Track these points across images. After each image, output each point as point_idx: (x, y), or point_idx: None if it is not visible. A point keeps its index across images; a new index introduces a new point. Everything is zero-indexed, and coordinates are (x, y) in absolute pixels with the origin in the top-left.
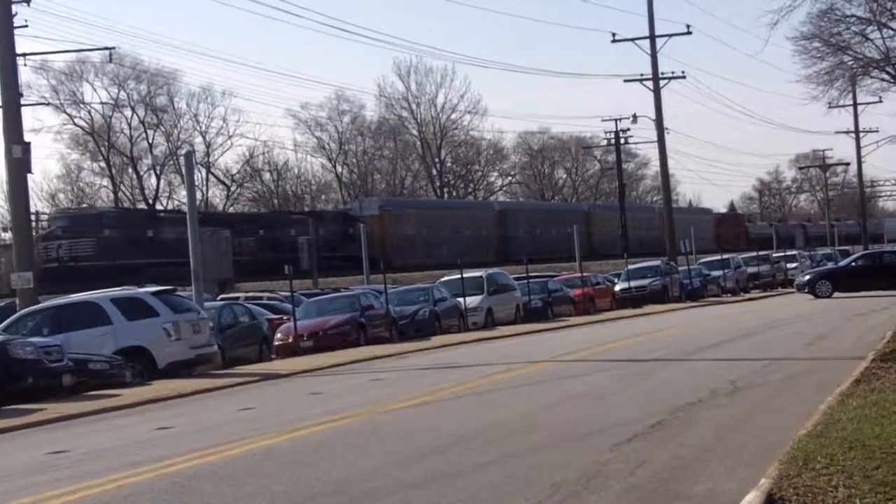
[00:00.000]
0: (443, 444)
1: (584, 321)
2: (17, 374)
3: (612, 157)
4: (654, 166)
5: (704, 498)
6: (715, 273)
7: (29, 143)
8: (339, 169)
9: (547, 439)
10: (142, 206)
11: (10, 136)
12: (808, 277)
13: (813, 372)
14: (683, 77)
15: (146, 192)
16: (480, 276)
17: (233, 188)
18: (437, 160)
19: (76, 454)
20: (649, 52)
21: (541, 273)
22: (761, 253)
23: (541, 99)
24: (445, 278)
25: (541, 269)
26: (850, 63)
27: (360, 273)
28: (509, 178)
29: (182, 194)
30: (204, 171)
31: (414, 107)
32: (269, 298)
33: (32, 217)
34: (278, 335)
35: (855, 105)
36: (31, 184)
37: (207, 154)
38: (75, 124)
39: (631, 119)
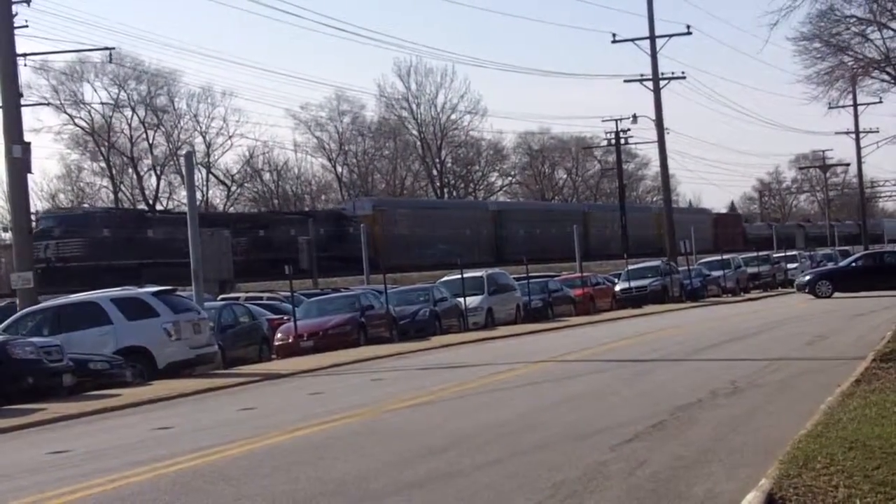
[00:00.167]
0: (443, 443)
1: (585, 321)
2: (18, 373)
3: (612, 158)
4: (655, 167)
5: (705, 498)
6: (715, 273)
7: (29, 143)
8: (339, 169)
9: (547, 439)
10: (142, 206)
11: (10, 136)
12: (808, 278)
13: (813, 372)
14: (683, 77)
15: (146, 192)
16: (481, 276)
17: (233, 188)
18: (437, 160)
19: (77, 454)
20: (649, 52)
21: (541, 273)
22: (761, 253)
23: (541, 99)
24: (446, 278)
25: (540, 269)
26: (850, 63)
27: (353, 273)
28: (509, 178)
29: (182, 194)
30: (204, 172)
31: (414, 107)
32: (269, 298)
33: (33, 217)
34: (278, 335)
35: (855, 105)
36: (31, 184)
37: (207, 154)
38: (75, 124)
39: (631, 119)
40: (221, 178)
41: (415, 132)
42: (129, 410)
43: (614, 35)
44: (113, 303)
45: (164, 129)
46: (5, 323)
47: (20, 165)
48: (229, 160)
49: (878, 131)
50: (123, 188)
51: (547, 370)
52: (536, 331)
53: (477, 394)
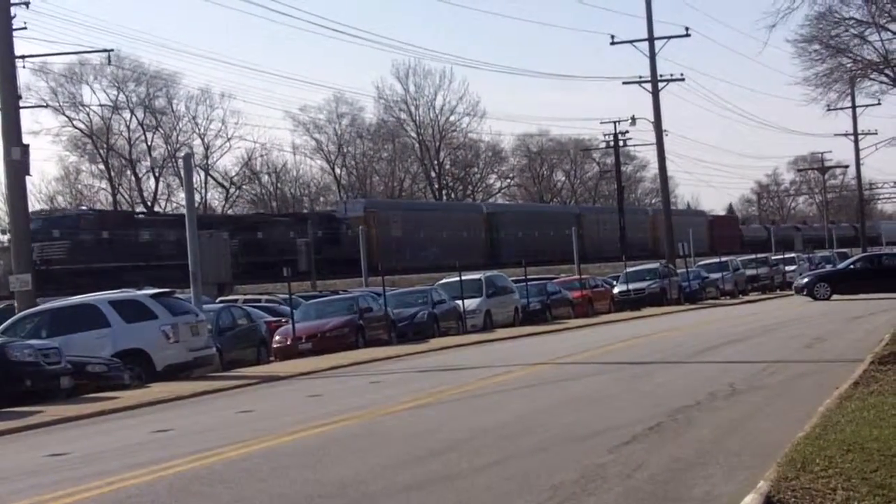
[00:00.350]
0: (442, 446)
1: (583, 324)
2: (16, 376)
3: (610, 160)
4: (653, 168)
5: (703, 500)
6: (713, 276)
7: (28, 146)
8: (337, 171)
9: (546, 441)
10: (140, 208)
11: (8, 138)
12: (806, 280)
13: (811, 374)
14: (682, 79)
15: (145, 194)
16: (479, 279)
17: (231, 191)
18: (435, 162)
19: (75, 457)
20: (648, 54)
21: (539, 276)
22: (760, 255)
23: (539, 101)
24: (444, 280)
25: (538, 271)
26: (848, 65)
27: (344, 275)
28: (508, 180)
29: (181, 197)
30: (203, 174)
31: (412, 109)
32: (268, 301)
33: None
34: (277, 337)
35: (854, 107)
36: (29, 186)
37: (206, 156)
38: (74, 126)
39: (629, 121)
40: (220, 180)
41: (413, 134)
42: (127, 413)
43: (613, 37)
44: (111, 305)
45: (162, 131)
46: (3, 325)
47: (19, 167)
48: (228, 162)
49: (876, 133)
50: (122, 190)
51: (545, 373)
52: (535, 333)
53: (475, 396)
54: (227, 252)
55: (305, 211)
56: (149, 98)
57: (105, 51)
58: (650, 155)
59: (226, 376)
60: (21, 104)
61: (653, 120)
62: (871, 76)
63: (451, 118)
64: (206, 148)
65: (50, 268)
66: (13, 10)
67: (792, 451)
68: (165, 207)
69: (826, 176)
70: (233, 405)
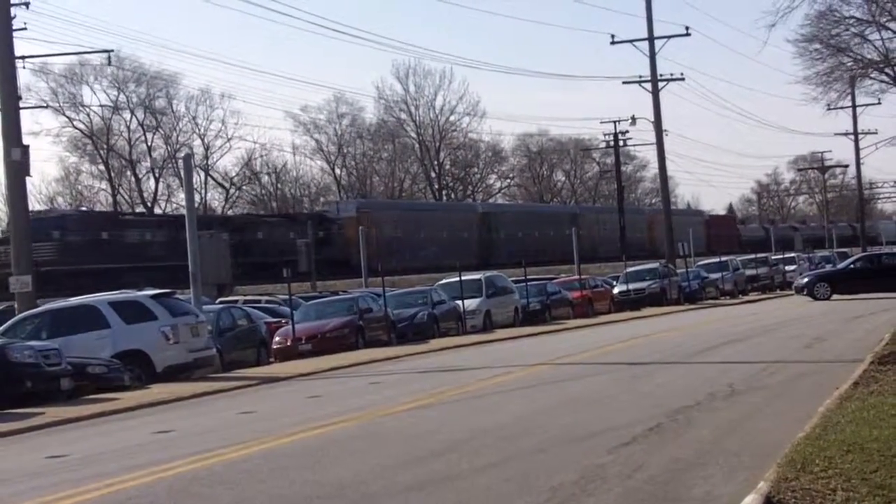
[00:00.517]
0: (441, 447)
1: (583, 324)
2: (16, 377)
3: (610, 160)
4: (653, 168)
5: (702, 501)
6: (713, 275)
7: (28, 146)
8: (337, 171)
9: (545, 442)
10: (140, 208)
11: (8, 138)
12: (806, 280)
13: (811, 375)
14: (682, 79)
15: (145, 195)
16: (479, 279)
17: (231, 191)
18: (435, 162)
19: (75, 458)
20: (648, 53)
21: (539, 276)
22: (760, 255)
23: (539, 101)
24: (444, 281)
25: (536, 271)
26: (849, 64)
27: (334, 277)
28: (508, 180)
29: (181, 197)
30: (203, 174)
31: (412, 109)
32: (268, 302)
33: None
34: (276, 338)
35: (854, 107)
36: (29, 187)
37: (206, 157)
38: (74, 127)
39: (630, 121)
40: (220, 180)
41: (413, 134)
42: (127, 414)
43: (613, 36)
44: (111, 306)
45: (162, 132)
46: (3, 326)
47: (19, 168)
48: (228, 163)
49: (876, 133)
50: (122, 191)
51: (545, 373)
52: (534, 334)
53: (475, 397)
54: (227, 253)
55: (304, 211)
56: (149, 98)
57: (105, 51)
58: (650, 155)
59: (226, 377)
60: (21, 105)
61: (653, 119)
62: (872, 75)
63: (451, 118)
64: (206, 148)
65: (37, 269)
66: (13, 10)
67: (792, 452)
68: (165, 208)
69: (826, 175)
70: (233, 406)
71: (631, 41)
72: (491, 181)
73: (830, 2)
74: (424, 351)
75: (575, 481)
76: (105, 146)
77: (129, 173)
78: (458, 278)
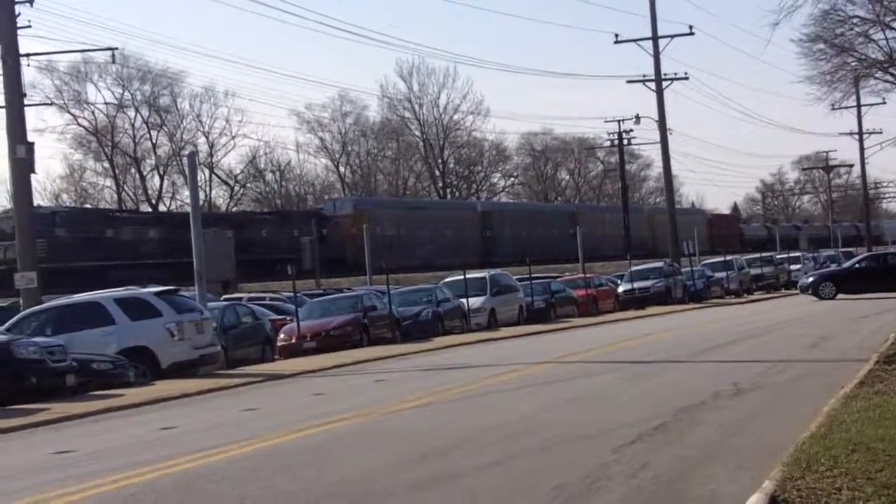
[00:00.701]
0: (446, 445)
1: (588, 322)
2: (21, 373)
3: (614, 159)
4: (657, 167)
5: (707, 500)
6: (718, 274)
7: (33, 143)
8: (342, 170)
9: (549, 441)
10: (145, 206)
11: (13, 135)
12: (811, 279)
13: (816, 374)
14: (686, 78)
15: (149, 192)
16: (483, 277)
17: (236, 189)
18: (439, 161)
19: (80, 454)
20: (652, 52)
21: (543, 275)
22: (765, 255)
23: (543, 100)
24: (449, 279)
25: (540, 270)
26: (853, 64)
27: (330, 276)
28: (512, 179)
29: (185, 195)
30: (207, 172)
31: (416, 107)
32: (272, 299)
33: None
34: (281, 336)
35: (858, 106)
36: (34, 184)
37: (210, 154)
38: (79, 124)
39: (634, 120)
40: (224, 178)
41: (417, 133)
42: (132, 411)
43: (617, 35)
44: (116, 303)
45: (167, 130)
46: (9, 323)
47: (24, 165)
48: (232, 160)
49: (881, 132)
50: (126, 188)
51: (549, 371)
52: (539, 332)
53: (479, 395)
54: (231, 250)
55: (305, 209)
56: (153, 96)
57: (110, 49)
58: (654, 154)
59: (230, 374)
60: (26, 102)
61: (657, 118)
62: (876, 75)
63: (455, 117)
64: (211, 146)
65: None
66: (18, 7)
67: (797, 451)
68: (170, 205)
69: (831, 175)
70: (238, 403)
71: (635, 40)
72: (495, 180)
73: (835, 1)
74: (429, 349)
75: (579, 480)
76: (110, 144)
77: (133, 171)
78: (462, 276)
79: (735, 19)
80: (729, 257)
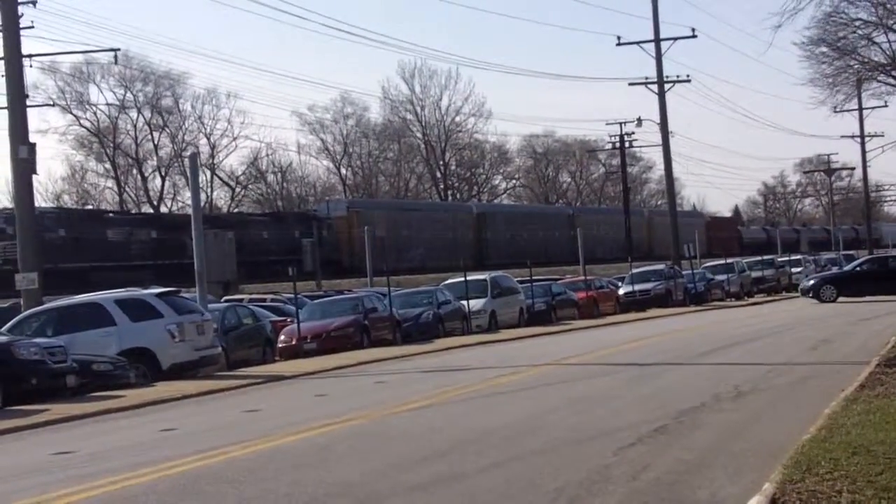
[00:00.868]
0: (446, 447)
1: (588, 324)
2: (22, 374)
3: (616, 161)
4: (659, 170)
5: (708, 502)
6: (719, 277)
7: (35, 144)
8: (343, 171)
9: (550, 443)
10: (146, 207)
11: (16, 136)
12: (812, 282)
13: (817, 377)
14: (688, 81)
15: (151, 193)
16: (484, 279)
17: (237, 190)
18: (441, 163)
19: (80, 455)
20: (654, 55)
21: (543, 277)
22: (766, 257)
23: (545, 102)
24: (449, 281)
25: (538, 272)
26: (855, 67)
27: (325, 278)
28: (513, 181)
29: (187, 196)
30: (209, 173)
31: (418, 109)
32: (273, 300)
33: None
34: (282, 337)
35: (860, 109)
36: (36, 185)
37: (212, 156)
38: (81, 125)
39: (636, 122)
40: (226, 179)
41: (419, 135)
42: (132, 412)
43: (619, 38)
44: (116, 304)
45: (169, 131)
46: (9, 324)
47: (26, 166)
48: (234, 162)
49: (883, 135)
50: (128, 189)
51: (550, 373)
52: (540, 334)
53: (480, 397)
54: (232, 251)
55: (302, 210)
56: (156, 97)
57: (111, 50)
58: (656, 156)
59: (231, 375)
60: (28, 103)
61: (659, 121)
62: (878, 78)
63: (457, 118)
64: (213, 147)
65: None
66: (20, 8)
67: (797, 454)
68: (172, 207)
69: (832, 178)
70: (238, 404)
71: (637, 43)
72: (496, 182)
73: (837, 4)
74: (430, 350)
75: (580, 482)
76: (111, 145)
77: (135, 172)
78: (463, 278)
79: (737, 22)
80: (730, 260)
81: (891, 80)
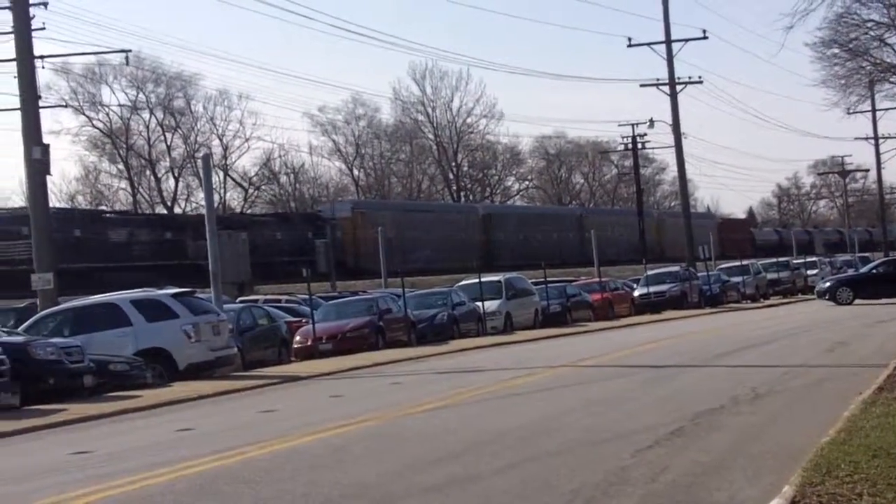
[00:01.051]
0: (461, 448)
1: (604, 326)
2: (39, 374)
3: (629, 162)
4: (672, 171)
5: None
6: (734, 279)
7: (48, 145)
8: (355, 172)
9: (566, 444)
10: (160, 208)
11: (29, 137)
12: (828, 284)
13: (834, 379)
14: (700, 82)
15: (164, 194)
16: (499, 281)
17: (250, 191)
18: (453, 164)
19: (98, 455)
20: (665, 56)
21: (559, 278)
22: (781, 259)
23: (557, 103)
24: (464, 282)
25: (552, 274)
26: (868, 68)
27: (326, 280)
28: (526, 182)
29: (200, 197)
30: (221, 174)
31: (430, 110)
32: (288, 301)
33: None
34: (297, 338)
35: (874, 110)
36: (50, 185)
37: (225, 157)
38: (94, 126)
39: (648, 124)
40: (239, 180)
41: (430, 136)
42: (149, 412)
43: (630, 39)
44: (133, 304)
45: (181, 132)
46: (26, 324)
47: (40, 167)
48: (246, 163)
49: None
50: (142, 190)
51: (565, 375)
52: (555, 335)
53: (495, 398)
54: (246, 252)
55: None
56: (168, 98)
57: (123, 51)
58: (669, 157)
59: (247, 376)
60: (41, 104)
61: (671, 122)
62: (891, 79)
63: (469, 120)
64: (225, 148)
65: (13, 268)
66: (32, 10)
67: (816, 456)
68: (185, 208)
69: (847, 180)
70: (254, 405)
71: (648, 44)
72: (509, 183)
73: (849, 5)
74: (444, 352)
75: (597, 483)
76: (124, 146)
77: (148, 173)
78: (477, 279)
79: (748, 23)
80: (745, 262)
81: None
